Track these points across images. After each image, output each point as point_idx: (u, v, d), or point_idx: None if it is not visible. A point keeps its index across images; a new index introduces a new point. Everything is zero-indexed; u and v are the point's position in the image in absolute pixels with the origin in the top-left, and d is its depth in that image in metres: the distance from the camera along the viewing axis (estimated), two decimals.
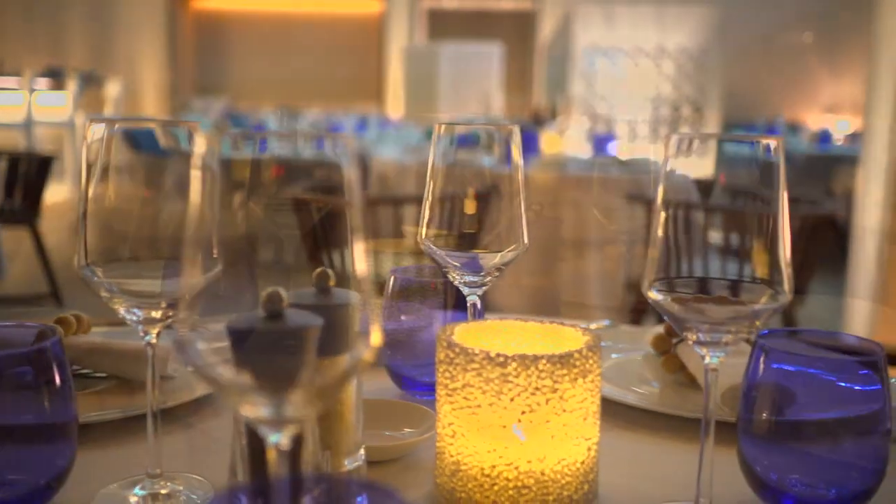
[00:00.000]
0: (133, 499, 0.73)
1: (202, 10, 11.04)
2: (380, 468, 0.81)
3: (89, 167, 0.70)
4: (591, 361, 0.70)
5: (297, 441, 0.60)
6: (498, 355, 0.69)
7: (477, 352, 0.69)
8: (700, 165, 0.72)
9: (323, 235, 0.54)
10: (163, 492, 0.73)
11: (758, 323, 0.67)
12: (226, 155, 0.50)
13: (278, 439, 0.50)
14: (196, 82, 11.02)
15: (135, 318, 0.70)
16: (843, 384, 0.74)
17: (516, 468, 0.69)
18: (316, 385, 0.49)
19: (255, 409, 0.48)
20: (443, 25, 10.12)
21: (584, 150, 5.47)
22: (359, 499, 0.60)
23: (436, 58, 8.05)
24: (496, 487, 0.70)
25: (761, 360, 0.74)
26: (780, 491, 0.73)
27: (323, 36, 10.77)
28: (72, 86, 8.18)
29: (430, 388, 0.94)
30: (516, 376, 0.68)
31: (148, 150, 0.73)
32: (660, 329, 1.12)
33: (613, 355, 1.16)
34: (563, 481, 0.70)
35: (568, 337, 0.77)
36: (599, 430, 0.74)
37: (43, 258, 4.09)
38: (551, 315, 1.27)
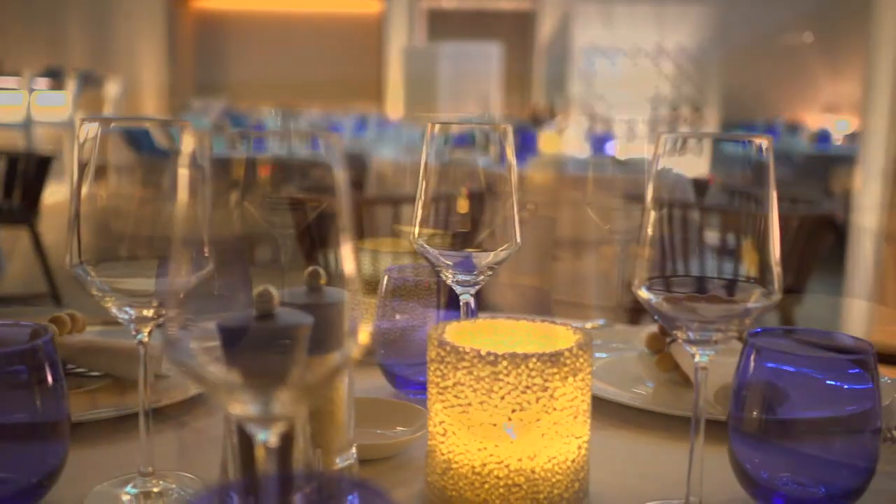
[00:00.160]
0: (125, 497, 0.73)
1: (202, 9, 11.05)
2: (372, 466, 0.81)
3: (81, 166, 0.70)
4: (581, 360, 0.71)
5: (286, 439, 0.60)
6: (488, 354, 0.69)
7: (468, 350, 0.70)
8: (692, 165, 0.72)
9: (314, 235, 0.55)
10: (155, 490, 0.74)
11: (748, 321, 0.67)
12: (215, 154, 0.50)
13: (266, 437, 0.50)
14: (196, 82, 11.02)
15: (126, 316, 0.70)
16: (833, 383, 0.74)
17: (507, 466, 0.70)
18: (304, 383, 0.49)
19: (243, 406, 0.48)
20: (442, 25, 10.12)
21: (582, 150, 5.47)
22: (349, 497, 0.61)
23: (435, 58, 8.04)
24: (487, 486, 0.70)
25: (752, 358, 0.74)
26: (771, 489, 0.73)
27: (322, 36, 10.77)
28: (71, 86, 8.18)
29: (424, 387, 0.94)
30: (507, 375, 0.68)
31: (145, 149, 0.73)
32: (654, 328, 1.12)
33: (608, 354, 1.16)
34: (554, 479, 0.70)
35: (559, 336, 0.77)
36: (592, 429, 0.74)
37: (41, 258, 4.09)
38: (547, 314, 1.28)
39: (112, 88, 9.17)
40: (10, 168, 4.28)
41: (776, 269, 0.67)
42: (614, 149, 5.79)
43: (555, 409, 0.69)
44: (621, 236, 1.34)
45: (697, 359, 0.68)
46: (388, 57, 10.34)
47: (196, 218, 0.49)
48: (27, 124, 7.56)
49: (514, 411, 0.69)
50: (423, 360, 0.77)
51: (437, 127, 0.89)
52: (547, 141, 5.14)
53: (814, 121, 8.64)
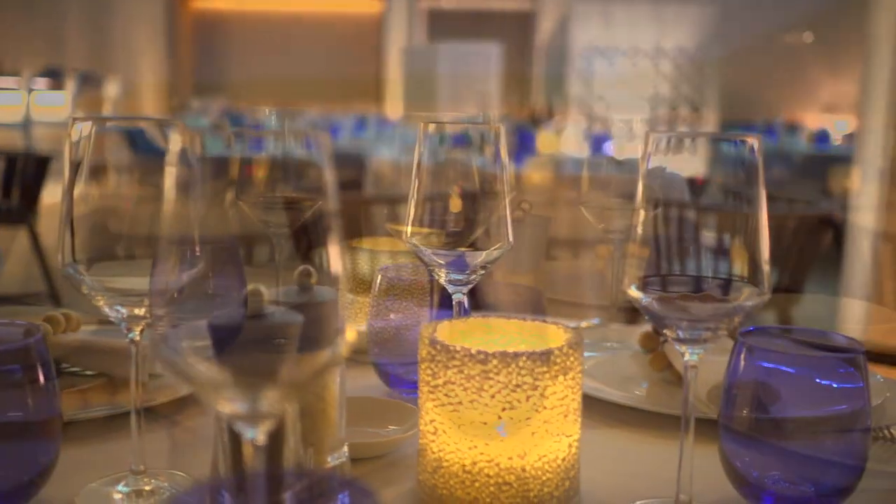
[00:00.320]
0: (116, 495, 0.73)
1: (201, 9, 11.04)
2: (363, 465, 0.81)
3: (73, 166, 0.70)
4: (571, 359, 0.71)
5: (277, 437, 0.60)
6: (479, 352, 0.69)
7: (458, 349, 0.70)
8: (683, 164, 0.72)
9: (309, 234, 0.55)
10: (146, 488, 0.74)
11: (737, 320, 0.67)
12: (204, 153, 0.50)
13: (254, 435, 0.50)
14: (195, 82, 11.02)
15: (118, 314, 0.70)
16: (824, 381, 0.74)
17: (497, 465, 0.70)
18: (291, 381, 0.49)
19: (231, 404, 0.49)
20: (442, 25, 10.12)
21: (581, 150, 5.48)
22: (340, 496, 0.61)
23: (434, 58, 8.05)
24: (477, 484, 0.70)
25: (743, 357, 0.74)
26: (761, 487, 0.73)
27: (322, 36, 10.77)
28: (70, 85, 8.18)
29: (417, 386, 0.94)
30: (497, 373, 0.69)
31: (141, 149, 0.73)
32: (648, 327, 1.13)
33: (601, 353, 1.16)
34: (545, 478, 0.71)
35: (550, 334, 0.77)
36: (584, 428, 0.74)
37: (40, 257, 4.09)
38: (540, 313, 1.28)
39: (111, 88, 9.17)
40: (8, 168, 4.28)
41: (765, 268, 0.67)
42: (613, 149, 5.80)
43: (545, 408, 0.70)
44: (617, 236, 1.34)
45: (687, 357, 0.69)
46: (387, 57, 10.33)
47: (186, 216, 0.49)
48: (26, 124, 7.56)
49: (504, 410, 0.69)
50: (416, 360, 0.77)
51: (431, 126, 0.89)
52: (545, 141, 5.14)
53: (813, 121, 8.64)
